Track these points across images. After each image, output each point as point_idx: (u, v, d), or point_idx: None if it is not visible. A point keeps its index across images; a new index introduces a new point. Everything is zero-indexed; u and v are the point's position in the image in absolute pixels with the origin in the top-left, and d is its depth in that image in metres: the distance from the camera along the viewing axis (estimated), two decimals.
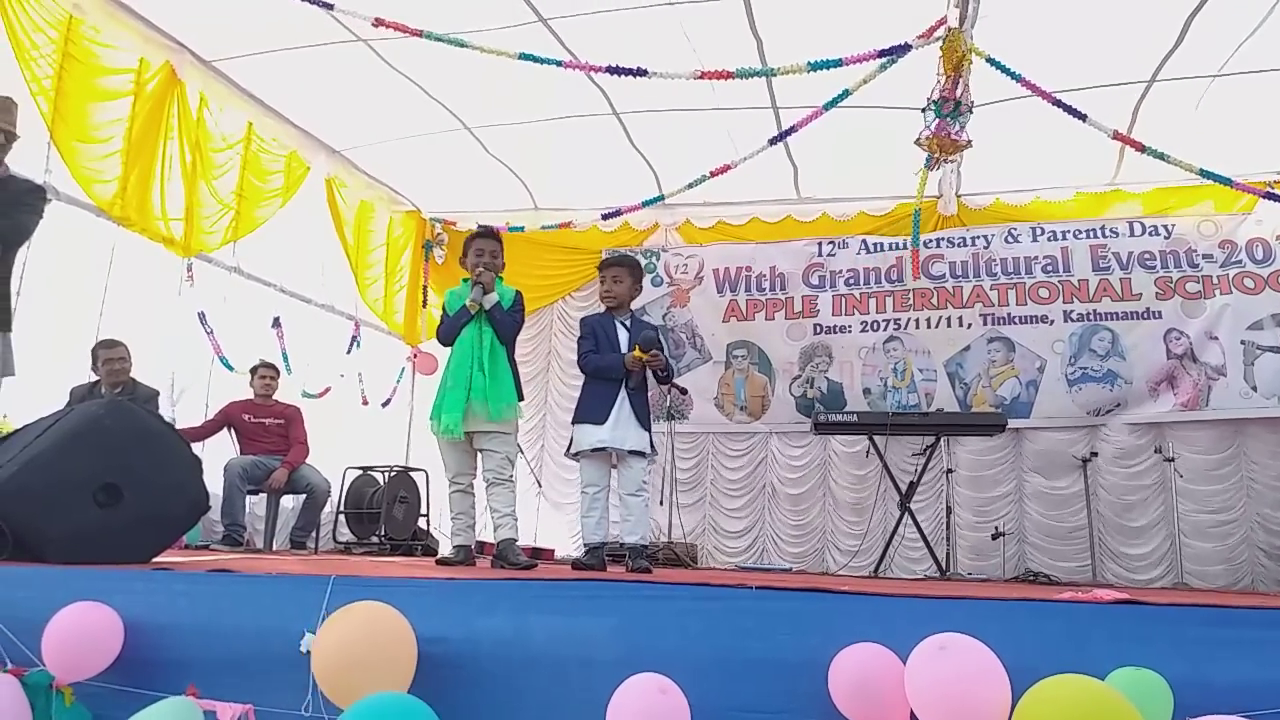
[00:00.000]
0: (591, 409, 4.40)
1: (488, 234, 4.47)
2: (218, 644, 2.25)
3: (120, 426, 3.01)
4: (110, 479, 2.93)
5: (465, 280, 4.40)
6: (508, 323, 4.29)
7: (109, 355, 5.70)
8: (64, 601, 2.28)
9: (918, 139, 5.38)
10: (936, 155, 5.36)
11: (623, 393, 4.37)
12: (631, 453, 4.31)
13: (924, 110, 5.31)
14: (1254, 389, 7.33)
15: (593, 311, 8.13)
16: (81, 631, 2.25)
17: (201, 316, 6.67)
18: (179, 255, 6.44)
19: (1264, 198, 6.54)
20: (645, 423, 4.38)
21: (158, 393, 6.12)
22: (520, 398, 4.34)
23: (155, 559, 3.08)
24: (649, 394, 4.54)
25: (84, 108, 5.65)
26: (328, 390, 7.87)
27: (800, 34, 5.76)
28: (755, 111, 7.03)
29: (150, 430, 3.10)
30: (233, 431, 6.69)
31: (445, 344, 4.36)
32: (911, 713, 1.91)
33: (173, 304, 6.53)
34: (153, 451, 3.03)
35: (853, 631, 2.00)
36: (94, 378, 5.77)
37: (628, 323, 4.54)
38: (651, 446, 4.40)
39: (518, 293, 4.43)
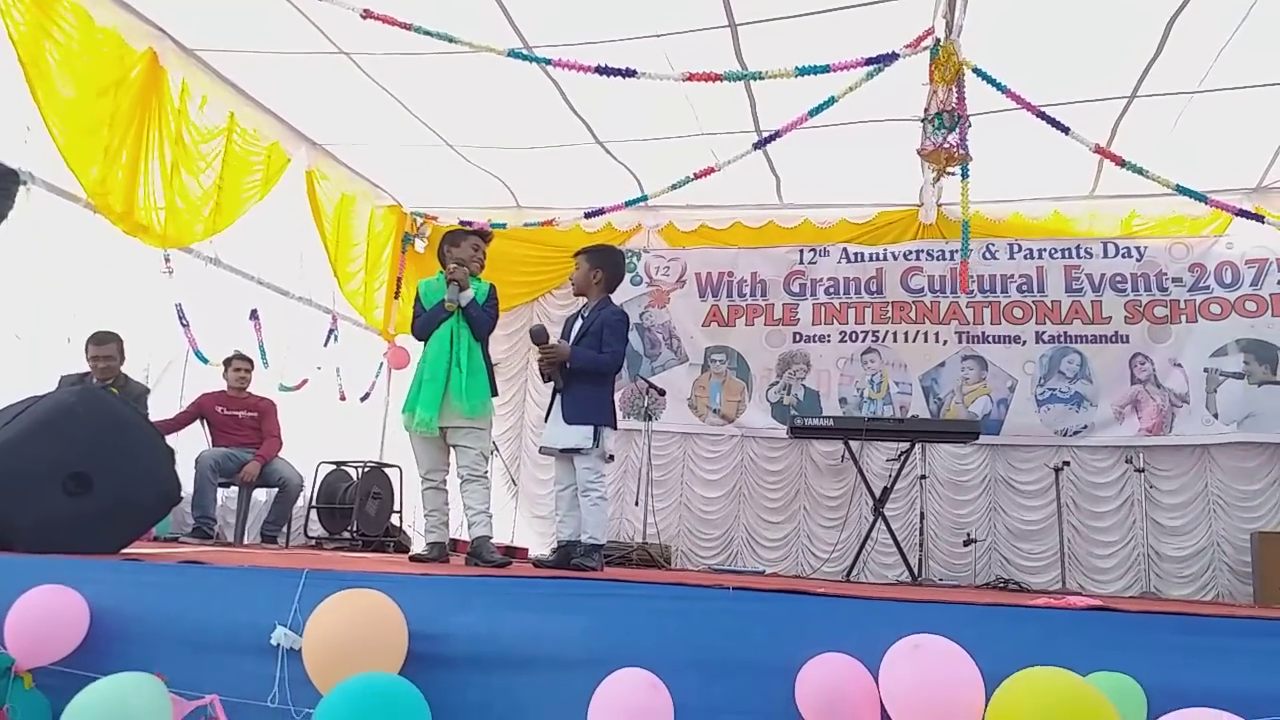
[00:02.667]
0: (547, 408, 4.43)
1: (467, 232, 4.51)
2: (186, 634, 2.23)
3: (91, 414, 2.96)
4: (80, 467, 2.88)
5: (441, 274, 4.38)
6: (483, 319, 4.28)
7: (97, 351, 5.61)
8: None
9: (920, 150, 5.38)
10: (942, 167, 5.38)
11: (557, 390, 4.36)
12: (565, 451, 4.25)
13: (925, 122, 5.32)
14: (1215, 416, 7.48)
15: (574, 307, 8.16)
16: (46, 615, 2.23)
17: (179, 309, 6.59)
18: (157, 246, 6.36)
19: (1236, 215, 6.63)
20: (582, 417, 4.22)
21: (148, 390, 6.05)
22: (494, 393, 4.32)
23: (125, 549, 3.03)
24: (611, 389, 4.47)
25: (70, 93, 5.56)
26: (304, 383, 7.80)
27: (784, 56, 5.76)
28: (739, 135, 7.02)
29: (122, 419, 3.05)
30: (205, 423, 6.61)
31: (420, 338, 4.34)
32: (883, 714, 1.92)
33: (151, 295, 6.44)
34: (125, 440, 2.99)
35: (828, 633, 2.01)
36: (85, 368, 5.69)
37: (586, 313, 4.48)
38: (597, 440, 4.20)
39: (492, 287, 4.42)
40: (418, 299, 4.41)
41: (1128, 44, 5.95)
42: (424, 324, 4.29)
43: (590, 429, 4.19)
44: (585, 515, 4.19)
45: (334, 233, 8.23)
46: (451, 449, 4.22)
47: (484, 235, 4.52)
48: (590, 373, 4.29)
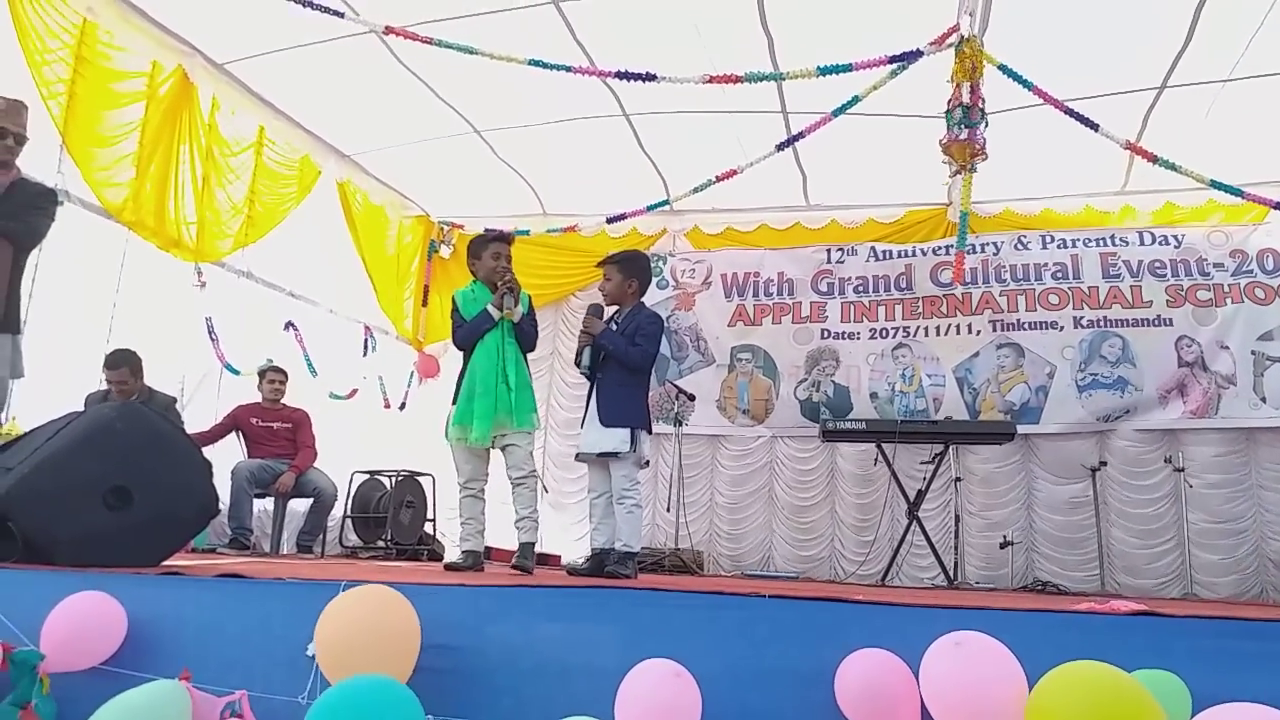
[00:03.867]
0: (583, 412, 4.42)
1: (502, 238, 4.39)
2: (222, 645, 2.25)
3: (131, 429, 3.00)
4: (120, 482, 2.92)
5: (475, 283, 4.34)
6: (531, 333, 4.27)
7: (110, 375, 5.68)
8: None
9: (943, 143, 5.33)
10: (964, 163, 5.32)
11: (593, 391, 4.33)
12: (602, 455, 4.22)
13: (948, 116, 5.26)
14: (1263, 400, 7.28)
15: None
16: (84, 619, 2.26)
17: (208, 322, 6.68)
18: (190, 261, 6.45)
19: (1275, 208, 6.50)
20: (617, 419, 4.19)
21: (174, 399, 6.13)
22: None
23: (164, 562, 3.07)
24: (645, 392, 4.45)
25: (96, 112, 5.66)
26: (355, 392, 7.90)
27: (812, 31, 5.74)
28: (765, 115, 7.03)
29: (161, 433, 3.09)
30: (240, 435, 6.69)
31: (462, 348, 4.27)
32: (922, 714, 1.90)
33: (184, 308, 6.53)
34: (163, 454, 3.03)
35: (866, 641, 1.99)
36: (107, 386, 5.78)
37: (620, 319, 4.43)
38: (633, 443, 4.18)
39: (529, 298, 4.37)
40: (455, 309, 4.34)
41: (1156, 34, 5.86)
42: (467, 334, 4.20)
43: (627, 432, 4.17)
44: (620, 522, 4.16)
45: (368, 244, 8.30)
46: (502, 451, 4.18)
47: (503, 238, 4.41)
48: (618, 362, 4.26)
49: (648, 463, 4.43)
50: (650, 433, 4.39)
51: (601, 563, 4.16)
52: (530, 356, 4.34)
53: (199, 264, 6.55)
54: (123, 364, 5.70)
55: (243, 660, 2.24)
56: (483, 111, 7.38)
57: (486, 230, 4.57)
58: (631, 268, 4.52)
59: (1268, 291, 7.47)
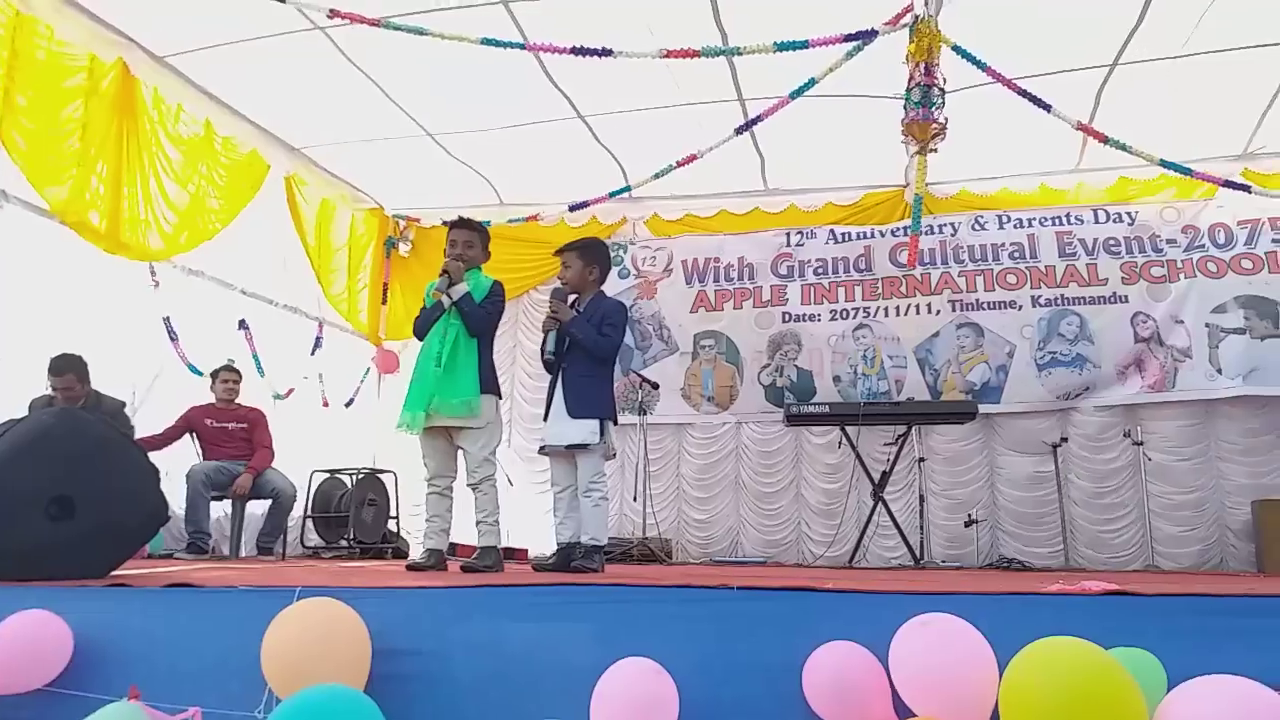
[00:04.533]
0: (546, 404, 4.31)
1: (461, 223, 4.29)
2: (172, 658, 2.16)
3: (71, 436, 2.88)
4: (62, 491, 2.80)
5: (443, 274, 4.23)
6: (477, 315, 4.08)
7: (55, 382, 5.49)
8: None
9: (904, 123, 5.31)
10: (924, 142, 5.30)
11: (558, 383, 4.23)
12: (570, 447, 4.12)
13: (907, 95, 5.24)
14: (1219, 371, 7.40)
15: None
16: (27, 641, 2.17)
17: (167, 322, 6.51)
18: (140, 260, 6.26)
19: (1223, 185, 6.59)
20: (585, 410, 4.10)
21: (123, 404, 5.96)
22: (493, 392, 4.12)
23: (113, 572, 2.96)
24: (611, 382, 4.36)
25: (37, 109, 5.45)
26: (291, 391, 7.72)
27: (765, 26, 5.70)
28: (722, 105, 6.99)
29: (103, 439, 2.97)
30: (195, 437, 6.53)
31: (418, 337, 4.19)
32: (894, 705, 1.88)
33: (133, 309, 6.34)
34: (106, 461, 2.91)
35: (838, 629, 1.97)
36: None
37: (583, 308, 4.32)
38: (601, 434, 4.10)
39: (495, 283, 4.23)
40: (424, 300, 4.26)
41: (1109, 10, 5.88)
42: (420, 322, 4.15)
43: (595, 423, 4.08)
44: (586, 516, 4.07)
45: (316, 239, 8.13)
46: (459, 452, 4.09)
47: (467, 225, 4.28)
48: (585, 351, 4.16)
49: (614, 454, 4.35)
50: (616, 423, 4.31)
51: (568, 557, 4.07)
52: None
53: (153, 263, 6.37)
54: (67, 369, 5.52)
55: (195, 674, 2.16)
56: (434, 115, 7.31)
57: (457, 218, 4.41)
58: (591, 254, 4.43)
59: (1219, 265, 7.59)
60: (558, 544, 4.25)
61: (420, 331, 4.16)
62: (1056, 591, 2.03)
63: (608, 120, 7.35)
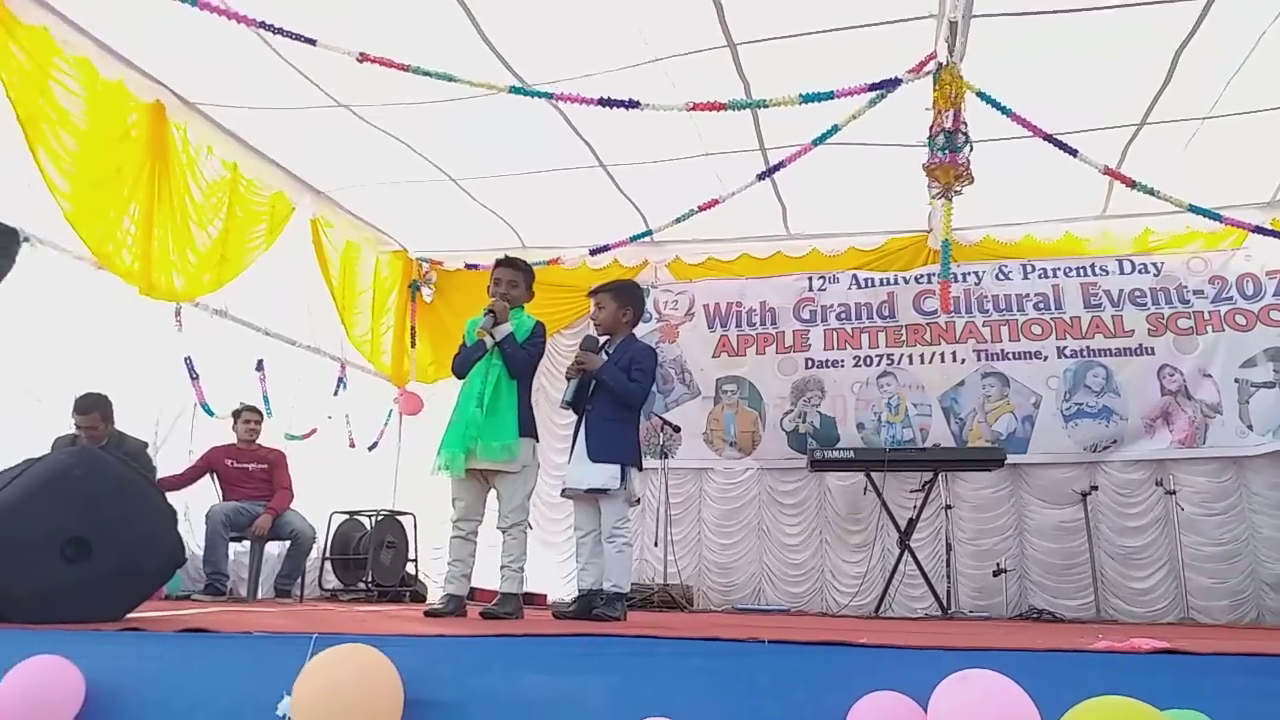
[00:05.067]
0: (570, 446, 4.26)
1: (507, 262, 4.23)
2: (186, 707, 2.10)
3: (90, 476, 2.86)
4: (79, 532, 2.77)
5: (486, 312, 4.17)
6: (519, 357, 4.02)
7: (80, 420, 5.52)
8: None
9: (927, 166, 5.29)
10: (948, 185, 5.27)
11: (581, 426, 4.17)
12: (590, 491, 4.05)
13: (930, 141, 5.23)
14: (1250, 427, 7.29)
15: None
16: (39, 687, 2.12)
17: (188, 362, 6.53)
18: (168, 301, 6.30)
19: (1253, 232, 6.51)
20: (607, 455, 4.03)
21: (145, 444, 5.96)
22: (531, 435, 4.06)
23: (129, 615, 2.91)
24: (636, 427, 4.29)
25: (81, 153, 5.51)
26: (313, 432, 7.70)
27: (785, 73, 5.73)
28: (743, 155, 6.99)
29: (122, 480, 2.94)
30: (215, 477, 6.51)
31: (458, 375, 4.13)
32: None
33: (158, 349, 6.37)
34: (125, 503, 2.88)
35: (874, 687, 1.88)
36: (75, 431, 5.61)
37: (610, 350, 4.28)
38: (623, 480, 4.02)
39: (538, 324, 4.18)
40: (464, 338, 4.23)
41: (1135, 74, 5.91)
42: (460, 361, 4.11)
43: (617, 468, 4.01)
44: (609, 561, 3.98)
45: (340, 280, 8.17)
46: (495, 495, 4.02)
47: (513, 264, 4.23)
48: (614, 397, 4.11)
49: (639, 500, 4.27)
50: (640, 469, 4.25)
51: (589, 604, 3.98)
52: None
53: (179, 304, 6.41)
54: (93, 408, 5.54)
55: None
56: (457, 161, 7.38)
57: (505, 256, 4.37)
58: (626, 296, 4.39)
59: (1248, 318, 7.49)
60: (579, 590, 4.16)
61: (460, 370, 4.10)
62: (1105, 649, 1.94)
63: (629, 170, 7.41)
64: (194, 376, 6.53)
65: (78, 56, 5.51)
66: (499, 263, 4.24)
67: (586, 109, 5.61)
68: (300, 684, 1.95)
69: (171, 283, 6.23)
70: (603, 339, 4.38)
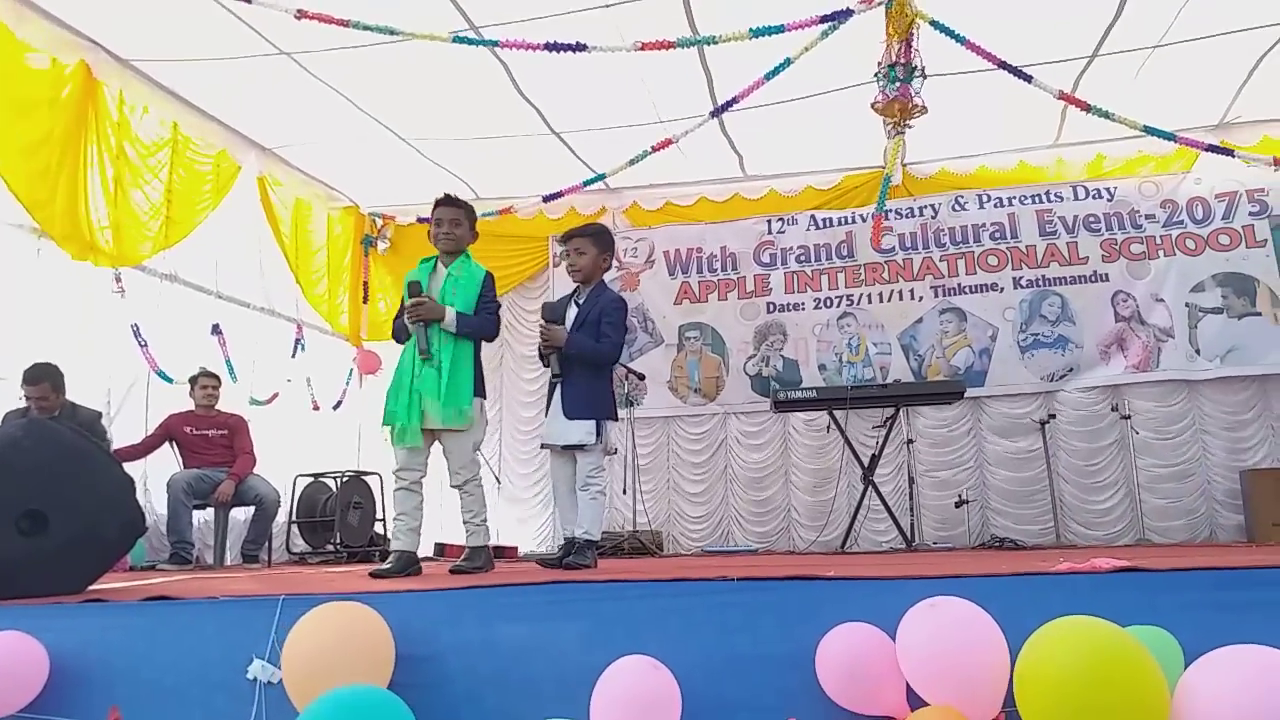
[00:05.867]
0: (546, 401, 4.20)
1: (448, 201, 3.90)
2: (154, 677, 2.08)
3: (41, 447, 2.78)
4: (34, 505, 2.70)
5: (424, 260, 3.93)
6: (480, 330, 3.79)
7: (29, 391, 5.37)
8: None
9: (874, 104, 5.26)
10: (897, 120, 5.24)
11: (558, 384, 4.08)
12: (567, 448, 4.01)
13: (878, 76, 5.20)
14: (1197, 352, 7.47)
15: (543, 297, 7.89)
16: (0, 663, 2.07)
17: (135, 329, 6.36)
18: (107, 266, 6.12)
19: (1206, 150, 6.56)
20: (582, 411, 3.97)
21: (99, 414, 5.83)
22: (481, 394, 3.84)
23: (90, 587, 2.86)
24: (610, 381, 4.23)
25: (3, 115, 5.31)
26: (275, 396, 7.60)
27: (737, 21, 5.62)
28: (698, 118, 6.85)
29: (75, 449, 2.86)
30: (175, 445, 6.40)
31: (399, 341, 3.90)
32: (908, 689, 1.83)
33: (104, 316, 6.20)
34: (79, 472, 2.80)
35: (841, 619, 1.91)
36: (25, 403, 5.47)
37: (581, 299, 4.17)
38: (599, 435, 3.98)
39: (487, 275, 3.90)
40: (404, 295, 3.87)
41: (1087, 6, 5.89)
42: (396, 330, 3.88)
43: (593, 423, 3.98)
44: (583, 508, 3.97)
45: (292, 239, 8.00)
46: (440, 451, 3.79)
47: (454, 202, 3.89)
48: (587, 362, 4.04)
49: (616, 450, 4.25)
50: (616, 420, 4.24)
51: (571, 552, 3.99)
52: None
53: (117, 269, 6.23)
54: (43, 379, 5.40)
55: (178, 690, 2.08)
56: (408, 122, 7.24)
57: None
58: (604, 241, 4.23)
59: (1197, 242, 7.61)
60: (565, 539, 4.15)
61: (400, 336, 3.87)
62: (1066, 571, 1.97)
63: (581, 137, 7.39)
64: (142, 344, 6.37)
65: None
66: (439, 202, 3.92)
67: (535, 66, 5.47)
68: (292, 642, 1.94)
69: (110, 247, 6.06)
70: (572, 290, 4.26)
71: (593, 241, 4.17)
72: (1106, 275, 7.75)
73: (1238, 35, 6.25)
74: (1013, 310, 7.87)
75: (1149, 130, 6.03)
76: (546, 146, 7.55)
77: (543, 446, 4.27)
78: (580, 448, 3.98)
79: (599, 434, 4.00)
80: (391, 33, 5.21)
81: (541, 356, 4.15)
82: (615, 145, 7.26)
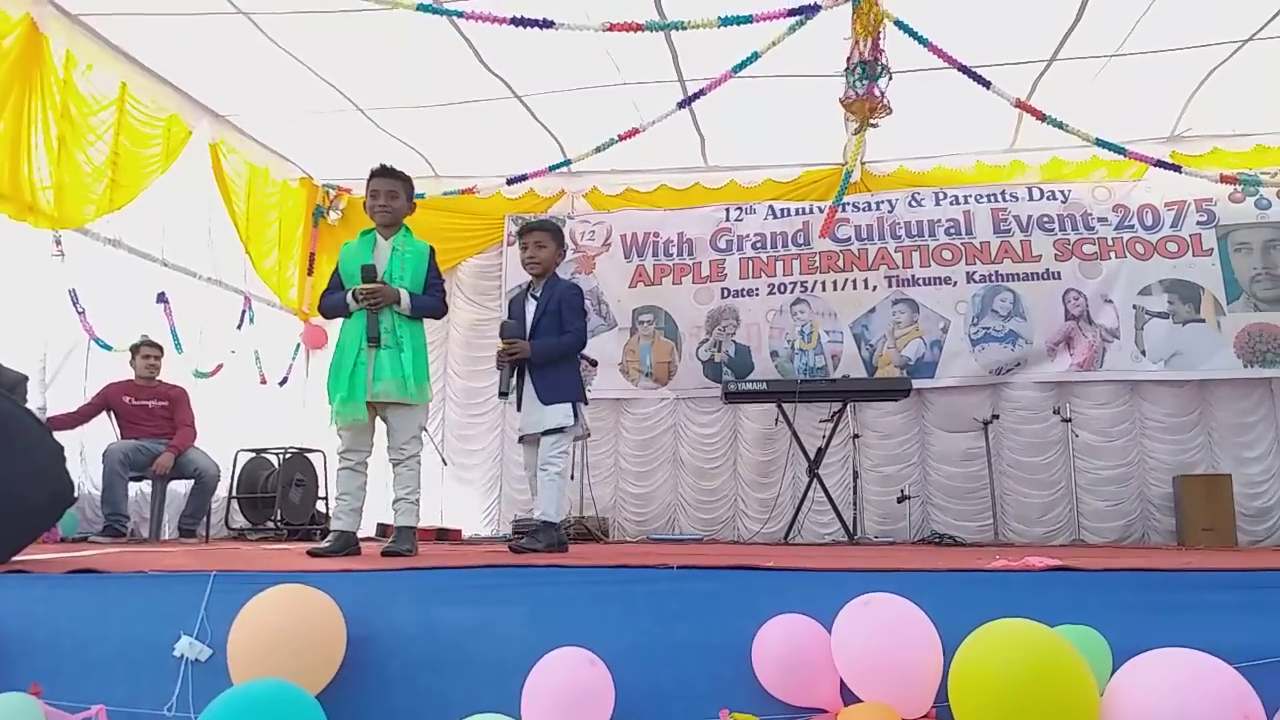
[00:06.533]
0: (517, 394, 4.19)
1: (384, 172, 3.80)
2: (77, 651, 2.03)
3: None
4: None
5: (363, 233, 3.84)
6: (431, 309, 3.76)
7: None
8: None
9: (843, 99, 5.28)
10: (864, 118, 5.28)
11: (525, 373, 4.13)
12: (548, 432, 4.02)
13: (848, 73, 5.22)
14: (1143, 353, 7.59)
15: (494, 274, 7.81)
16: None
17: (73, 294, 6.18)
18: (48, 228, 5.93)
19: (1154, 165, 6.69)
20: (556, 395, 4.03)
21: (25, 378, 5.63)
22: (583, 399, 4.02)
23: (15, 558, 2.77)
24: (577, 365, 4.29)
25: None
26: (219, 368, 7.44)
27: (703, 7, 5.61)
28: (662, 85, 6.88)
29: (1, 416, 2.77)
30: (113, 415, 6.24)
31: (326, 317, 3.85)
32: (841, 683, 1.84)
33: (44, 279, 6.02)
34: (5, 439, 2.71)
35: (780, 610, 1.92)
36: None
37: (538, 293, 4.20)
38: (576, 415, 4.05)
39: (432, 251, 3.85)
40: (336, 268, 3.82)
41: (1048, 11, 5.98)
42: (327, 306, 3.78)
43: (569, 406, 4.02)
44: (542, 490, 3.96)
45: (245, 209, 7.83)
46: (383, 427, 3.72)
47: (391, 173, 3.81)
48: (559, 359, 4.11)
49: (589, 433, 4.28)
50: (586, 403, 4.29)
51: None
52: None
53: (58, 231, 6.04)
54: None
55: (102, 666, 2.03)
56: (365, 90, 7.11)
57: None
58: (561, 236, 4.34)
59: (1147, 247, 7.76)
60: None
61: (328, 314, 3.80)
62: (1000, 569, 2.00)
63: (545, 100, 7.23)
64: (80, 310, 6.19)
65: None
66: (375, 173, 3.83)
67: (499, 34, 5.41)
68: (240, 625, 1.89)
69: (51, 208, 5.87)
70: (526, 285, 4.30)
71: (552, 236, 4.24)
72: (1059, 274, 7.84)
73: (1190, 51, 6.40)
74: (965, 304, 7.94)
75: (1101, 143, 6.17)
76: (507, 112, 7.39)
77: (522, 440, 4.26)
78: (559, 431, 4.01)
79: (575, 415, 4.05)
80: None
81: (503, 391, 4.14)
82: (576, 108, 7.21)
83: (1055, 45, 6.36)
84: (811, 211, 8.32)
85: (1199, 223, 7.70)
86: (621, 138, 6.64)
